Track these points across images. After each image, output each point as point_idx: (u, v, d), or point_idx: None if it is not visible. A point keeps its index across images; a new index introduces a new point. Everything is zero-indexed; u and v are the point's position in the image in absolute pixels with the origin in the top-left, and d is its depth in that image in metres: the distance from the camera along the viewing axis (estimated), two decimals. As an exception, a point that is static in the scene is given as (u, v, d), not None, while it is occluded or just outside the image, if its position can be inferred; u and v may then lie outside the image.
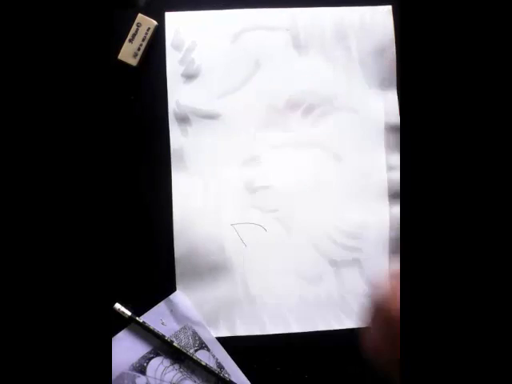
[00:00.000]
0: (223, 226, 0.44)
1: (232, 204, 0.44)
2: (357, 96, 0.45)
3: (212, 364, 0.43)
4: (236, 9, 0.44)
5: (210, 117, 0.44)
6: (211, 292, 0.44)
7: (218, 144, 0.44)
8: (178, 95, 0.44)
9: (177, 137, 0.44)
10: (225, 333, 0.43)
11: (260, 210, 0.44)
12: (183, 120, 0.44)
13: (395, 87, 0.45)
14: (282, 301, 0.44)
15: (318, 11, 0.45)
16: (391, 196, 0.44)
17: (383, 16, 0.45)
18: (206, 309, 0.43)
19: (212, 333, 0.43)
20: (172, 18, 0.44)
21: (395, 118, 0.45)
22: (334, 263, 0.44)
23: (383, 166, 0.45)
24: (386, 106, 0.45)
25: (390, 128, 0.45)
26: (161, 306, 0.44)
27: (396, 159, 0.44)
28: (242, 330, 0.43)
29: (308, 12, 0.44)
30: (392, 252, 0.44)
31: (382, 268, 0.44)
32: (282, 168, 0.44)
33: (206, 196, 0.44)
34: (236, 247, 0.44)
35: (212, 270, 0.44)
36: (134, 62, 0.44)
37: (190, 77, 0.44)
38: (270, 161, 0.44)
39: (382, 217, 0.44)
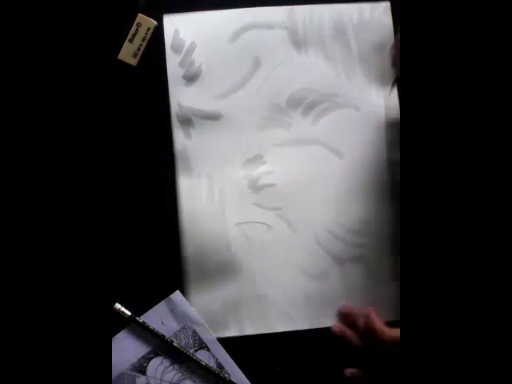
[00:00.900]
0: (229, 226, 0.44)
1: (237, 203, 0.44)
2: (357, 92, 0.45)
3: (212, 364, 0.43)
4: (234, 8, 0.44)
5: (213, 118, 0.44)
6: (220, 292, 0.44)
7: (222, 144, 0.44)
8: (180, 97, 0.44)
9: (180, 139, 0.44)
10: (234, 333, 0.43)
11: (264, 209, 0.44)
12: (186, 122, 0.44)
13: (395, 82, 0.45)
14: (289, 298, 0.44)
15: (316, 8, 0.45)
16: (393, 192, 0.45)
17: (382, 12, 0.45)
18: (215, 309, 0.43)
19: (221, 333, 0.43)
20: (170, 21, 0.44)
21: (396, 113, 0.45)
22: (339, 260, 0.44)
23: (384, 161, 0.45)
24: (387, 101, 0.45)
25: (390, 123, 0.45)
26: (161, 306, 0.44)
27: (397, 155, 0.44)
28: (250, 330, 0.43)
29: (306, 9, 0.45)
30: (396, 247, 0.44)
31: (387, 263, 0.44)
32: (285, 166, 0.44)
33: (211, 196, 0.44)
34: (242, 246, 0.44)
35: (220, 269, 0.44)
36: (133, 62, 0.44)
37: (190, 79, 0.44)
38: (272, 159, 0.44)
39: (385, 212, 0.44)
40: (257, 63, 0.44)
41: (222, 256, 0.44)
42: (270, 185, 0.44)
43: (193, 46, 0.44)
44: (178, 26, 0.44)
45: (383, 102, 0.45)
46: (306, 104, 0.44)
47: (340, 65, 0.45)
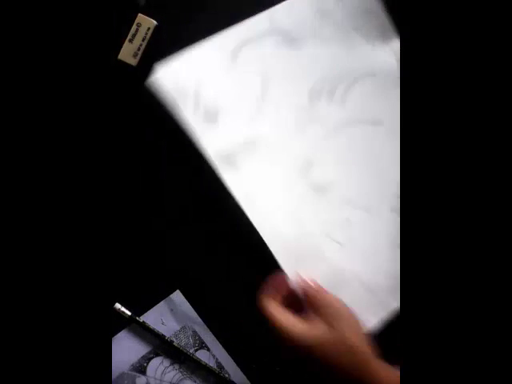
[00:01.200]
0: (317, 237, 0.44)
1: (314, 213, 0.44)
2: (366, 60, 0.45)
3: (212, 364, 0.43)
4: (218, 32, 0.42)
5: (250, 144, 0.43)
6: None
7: (270, 166, 0.44)
8: (212, 142, 0.42)
9: (229, 177, 0.43)
10: None
11: (338, 207, 0.44)
12: (229, 162, 0.43)
13: (396, 35, 0.45)
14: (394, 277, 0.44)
15: (292, 0, 0.44)
16: None
17: None
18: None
19: None
20: (164, 73, 0.42)
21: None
22: None
23: None
24: (397, 55, 0.45)
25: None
26: (161, 306, 0.44)
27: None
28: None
29: (284, 5, 0.44)
30: None
31: None
32: (336, 157, 0.44)
33: (286, 220, 0.43)
34: (334, 251, 0.44)
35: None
36: (133, 62, 0.44)
37: (212, 119, 0.42)
38: (321, 157, 0.44)
39: None
40: (265, 76, 0.44)
41: (323, 269, 0.43)
42: (331, 182, 0.44)
43: (198, 87, 0.42)
44: (174, 75, 0.42)
45: (394, 56, 0.45)
46: (326, 92, 0.44)
47: (339, 42, 0.44)
